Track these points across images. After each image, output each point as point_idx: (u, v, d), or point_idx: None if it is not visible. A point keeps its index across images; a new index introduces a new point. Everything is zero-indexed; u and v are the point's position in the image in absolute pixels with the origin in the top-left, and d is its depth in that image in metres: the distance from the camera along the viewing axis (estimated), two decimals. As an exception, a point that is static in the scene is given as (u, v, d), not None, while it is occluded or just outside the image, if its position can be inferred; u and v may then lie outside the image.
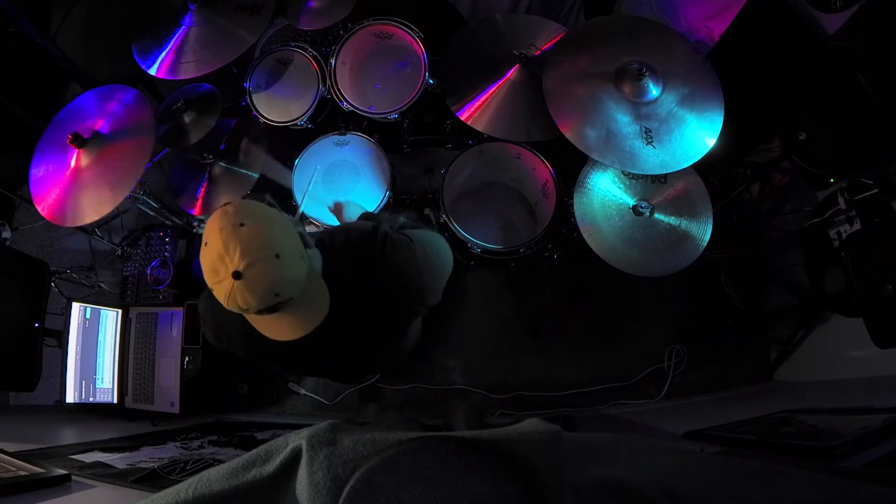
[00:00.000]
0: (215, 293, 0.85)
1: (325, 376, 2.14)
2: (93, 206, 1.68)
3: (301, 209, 1.40)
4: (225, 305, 0.85)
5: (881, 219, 1.61)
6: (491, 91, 1.79)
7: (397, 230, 1.17)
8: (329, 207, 1.69)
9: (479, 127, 1.76)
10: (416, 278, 1.10)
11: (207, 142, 1.92)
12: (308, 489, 0.61)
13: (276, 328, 0.94)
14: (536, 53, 1.83)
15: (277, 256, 0.84)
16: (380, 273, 1.06)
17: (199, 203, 1.99)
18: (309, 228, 1.70)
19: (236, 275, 0.81)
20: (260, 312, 0.87)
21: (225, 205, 0.87)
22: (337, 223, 1.67)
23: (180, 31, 1.91)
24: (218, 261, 0.82)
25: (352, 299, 1.04)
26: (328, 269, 1.00)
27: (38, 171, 1.79)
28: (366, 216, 1.53)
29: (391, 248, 1.07)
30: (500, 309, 2.33)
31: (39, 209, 1.73)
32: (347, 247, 1.07)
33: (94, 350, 1.98)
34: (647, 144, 1.56)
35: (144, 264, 2.20)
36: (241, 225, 0.83)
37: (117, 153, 1.73)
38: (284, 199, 1.87)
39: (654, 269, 1.69)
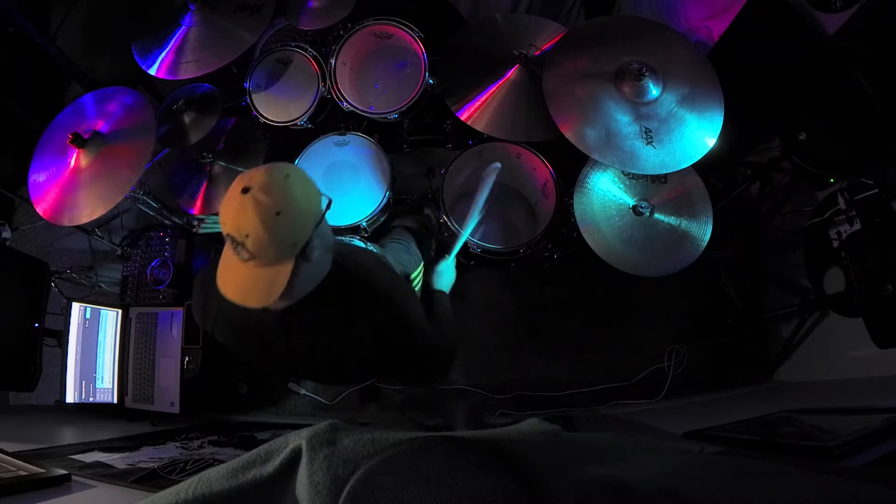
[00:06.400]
0: (223, 206, 0.87)
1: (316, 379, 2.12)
2: (93, 206, 1.68)
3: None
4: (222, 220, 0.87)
5: (881, 219, 1.61)
6: (491, 91, 1.79)
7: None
8: None
9: (479, 127, 1.76)
10: (380, 282, 1.06)
11: (207, 142, 1.92)
12: (308, 489, 0.61)
13: (233, 280, 0.90)
14: (536, 53, 1.83)
15: (278, 214, 0.83)
16: (348, 274, 1.02)
17: (198, 203, 1.99)
18: None
19: (245, 190, 0.83)
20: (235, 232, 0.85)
21: None
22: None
23: (180, 31, 1.91)
24: (247, 175, 0.86)
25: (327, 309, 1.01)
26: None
27: (38, 177, 1.79)
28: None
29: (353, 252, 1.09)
30: (500, 309, 2.33)
31: (38, 210, 1.73)
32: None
33: (94, 350, 1.98)
34: (647, 144, 1.56)
35: (144, 264, 2.20)
36: (287, 176, 0.86)
37: (117, 153, 1.73)
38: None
39: (654, 269, 1.69)
